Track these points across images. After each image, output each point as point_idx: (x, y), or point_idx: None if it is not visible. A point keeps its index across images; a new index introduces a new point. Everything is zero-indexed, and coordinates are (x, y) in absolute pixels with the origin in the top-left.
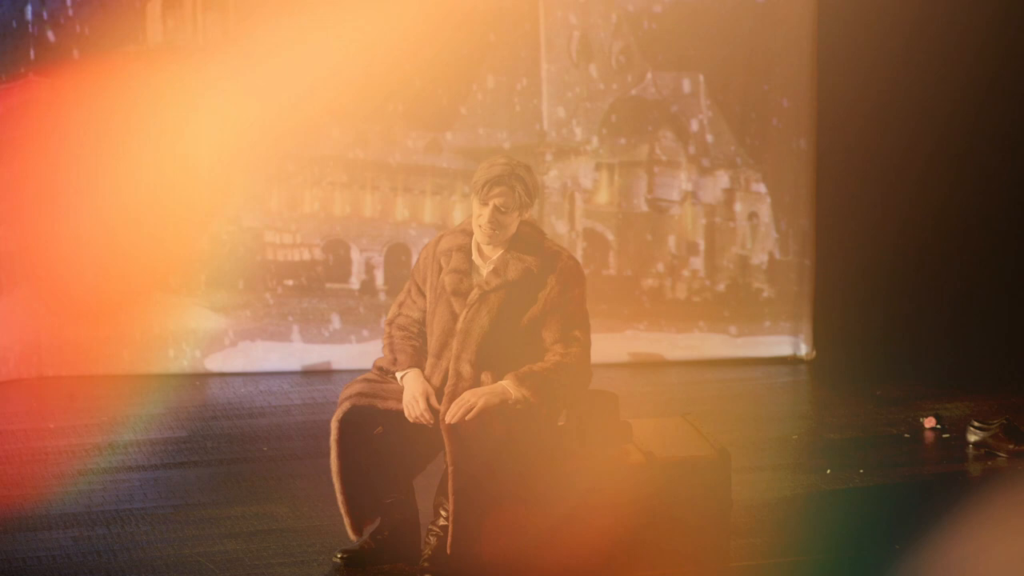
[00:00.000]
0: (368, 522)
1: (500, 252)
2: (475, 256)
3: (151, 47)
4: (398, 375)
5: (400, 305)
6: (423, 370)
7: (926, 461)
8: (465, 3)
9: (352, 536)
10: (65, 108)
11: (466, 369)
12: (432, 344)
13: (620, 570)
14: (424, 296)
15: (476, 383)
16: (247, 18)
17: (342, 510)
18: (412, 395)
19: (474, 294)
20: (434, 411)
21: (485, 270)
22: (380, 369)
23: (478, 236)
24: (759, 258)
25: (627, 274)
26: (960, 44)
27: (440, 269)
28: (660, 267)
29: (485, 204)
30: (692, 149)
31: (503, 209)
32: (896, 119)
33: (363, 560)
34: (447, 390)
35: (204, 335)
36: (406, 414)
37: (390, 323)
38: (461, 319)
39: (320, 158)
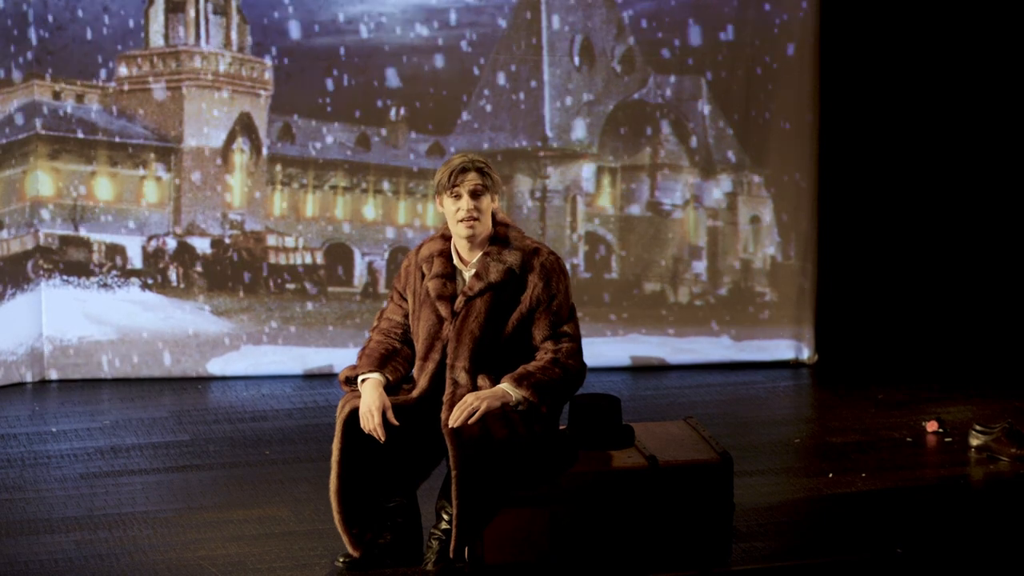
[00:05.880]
0: (368, 533)
1: (479, 255)
2: (456, 261)
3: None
4: (358, 380)
5: (382, 312)
6: (391, 373)
7: (928, 465)
8: (467, 6)
9: (354, 552)
10: None
11: (462, 376)
12: (418, 347)
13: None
14: (407, 300)
15: (474, 388)
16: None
17: (340, 528)
18: (367, 408)
19: (459, 301)
20: (391, 425)
21: (467, 275)
22: (346, 381)
23: (460, 232)
24: (761, 262)
25: (629, 278)
26: (964, 48)
27: (423, 276)
28: (662, 271)
29: (458, 196)
30: (694, 153)
31: (478, 191)
32: (899, 122)
33: (365, 564)
34: (446, 398)
35: (206, 339)
36: (361, 425)
37: (372, 329)
38: (450, 327)
39: (322, 162)
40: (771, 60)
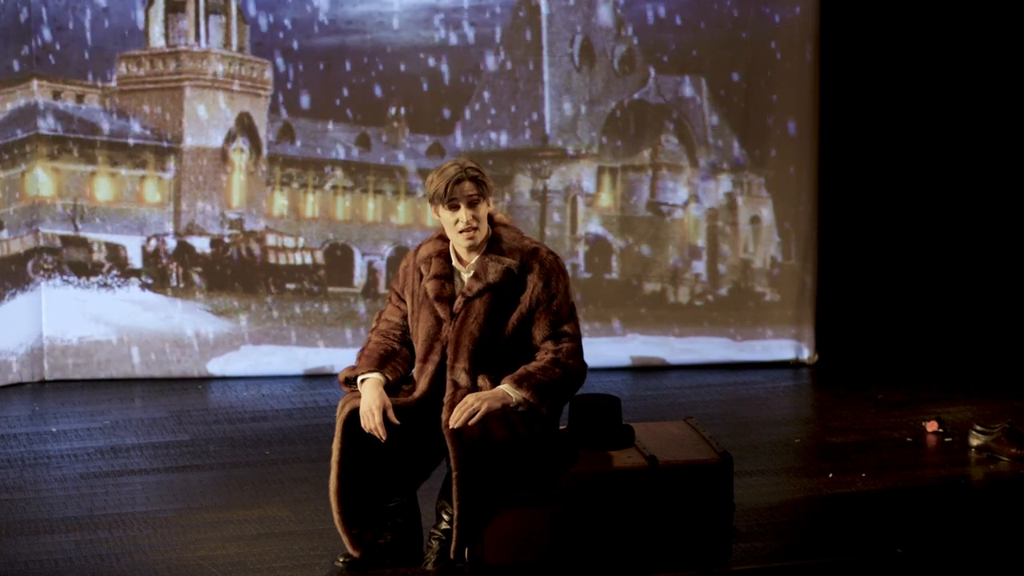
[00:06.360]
0: (368, 533)
1: (478, 256)
2: (455, 262)
3: (152, 51)
4: (357, 380)
5: (380, 313)
6: (390, 373)
7: (928, 465)
8: (467, 7)
9: (354, 553)
10: None
11: (462, 378)
12: (418, 349)
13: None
14: (405, 302)
15: (474, 389)
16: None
17: (340, 528)
18: (368, 407)
19: (458, 302)
20: (391, 425)
21: (466, 276)
22: (346, 381)
23: (460, 242)
24: (761, 261)
25: (629, 278)
26: (964, 48)
27: (421, 276)
28: (662, 271)
29: (455, 207)
30: (694, 152)
31: (475, 201)
32: (899, 123)
33: (365, 564)
34: (446, 400)
35: (206, 339)
36: (362, 424)
37: (371, 330)
38: (449, 329)
39: (322, 162)
40: (771, 60)
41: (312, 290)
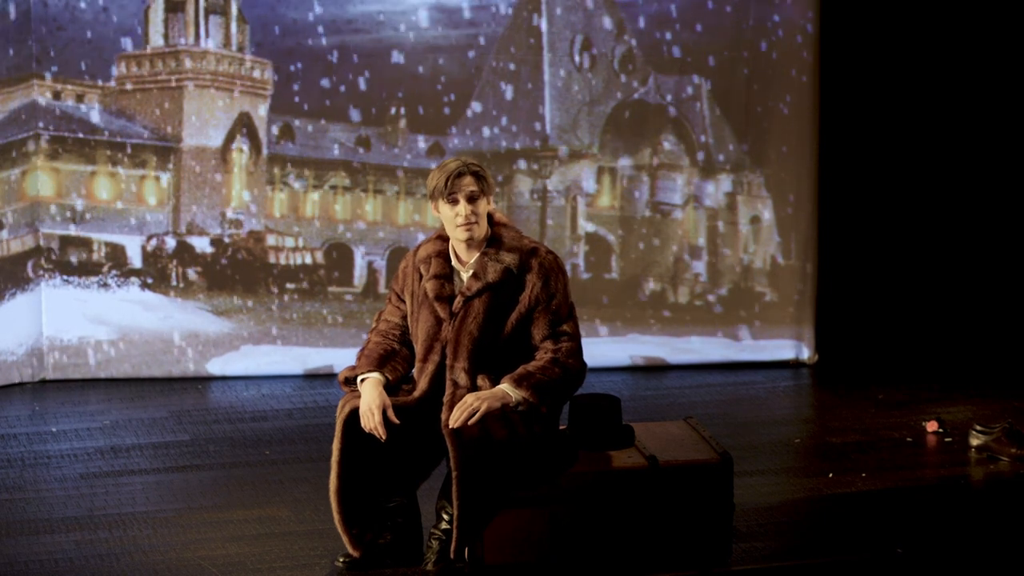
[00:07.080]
0: (368, 533)
1: (477, 256)
2: (454, 262)
3: (152, 51)
4: (357, 380)
5: (380, 313)
6: (390, 373)
7: (928, 465)
8: (468, 6)
9: (354, 553)
10: None
11: (462, 377)
12: (417, 349)
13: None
14: (404, 302)
15: (474, 389)
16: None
17: (340, 528)
18: (368, 406)
19: (457, 302)
20: (391, 425)
21: (465, 275)
22: (346, 381)
23: (459, 236)
24: (761, 261)
25: (629, 278)
26: (963, 48)
27: (421, 276)
28: (662, 271)
29: (455, 201)
30: (694, 152)
31: (475, 196)
32: (899, 123)
33: (365, 564)
34: (446, 399)
35: (206, 338)
36: (362, 424)
37: (370, 331)
38: (449, 328)
39: (322, 161)
40: (771, 61)
41: (312, 290)
